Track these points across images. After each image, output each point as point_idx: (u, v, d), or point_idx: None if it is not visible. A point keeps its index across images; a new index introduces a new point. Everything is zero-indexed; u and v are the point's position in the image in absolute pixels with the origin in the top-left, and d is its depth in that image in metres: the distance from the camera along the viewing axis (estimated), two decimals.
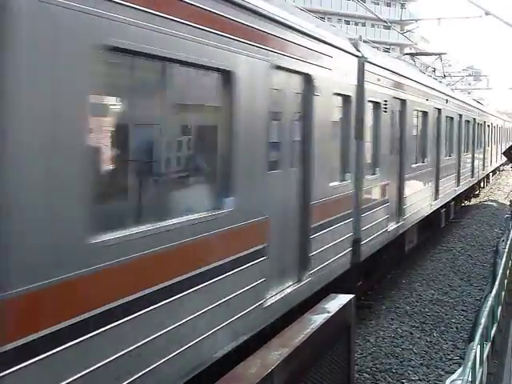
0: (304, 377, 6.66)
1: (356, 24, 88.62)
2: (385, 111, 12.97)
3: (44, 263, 4.17)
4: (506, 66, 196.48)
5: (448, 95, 22.28)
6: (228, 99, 6.54)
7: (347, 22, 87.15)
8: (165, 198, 5.70)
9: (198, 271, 5.90)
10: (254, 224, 7.09)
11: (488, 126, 36.96)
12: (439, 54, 32.75)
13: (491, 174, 43.54)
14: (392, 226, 13.83)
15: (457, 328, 12.80)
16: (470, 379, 7.05)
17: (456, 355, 11.25)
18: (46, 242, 4.19)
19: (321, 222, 9.22)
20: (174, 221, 5.60)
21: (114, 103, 5.38)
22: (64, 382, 4.27)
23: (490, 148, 38.34)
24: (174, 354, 5.49)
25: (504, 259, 13.08)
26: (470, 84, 75.84)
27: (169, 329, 5.42)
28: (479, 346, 8.03)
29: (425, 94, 17.62)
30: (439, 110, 19.82)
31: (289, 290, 8.14)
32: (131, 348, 4.93)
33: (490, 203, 32.42)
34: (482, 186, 37.29)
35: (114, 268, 4.76)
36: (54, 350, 4.22)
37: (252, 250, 7.01)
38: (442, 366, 10.80)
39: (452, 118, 22.68)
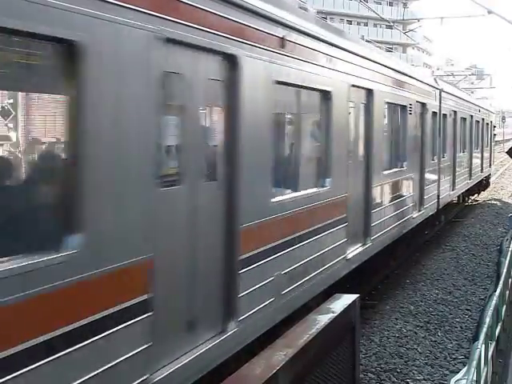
0: (309, 377, 6.67)
1: (358, 24, 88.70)
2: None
3: None
4: (509, 65, 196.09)
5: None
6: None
7: (349, 22, 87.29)
8: None
9: None
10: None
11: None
12: None
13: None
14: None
15: (461, 327, 12.78)
16: (474, 378, 7.05)
17: (461, 354, 11.23)
18: None
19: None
20: None
21: None
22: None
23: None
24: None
25: (508, 258, 13.05)
26: (472, 83, 75.80)
27: None
28: (484, 346, 8.02)
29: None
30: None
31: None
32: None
33: (493, 202, 32.33)
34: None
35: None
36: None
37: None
38: (446, 365, 10.79)
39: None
